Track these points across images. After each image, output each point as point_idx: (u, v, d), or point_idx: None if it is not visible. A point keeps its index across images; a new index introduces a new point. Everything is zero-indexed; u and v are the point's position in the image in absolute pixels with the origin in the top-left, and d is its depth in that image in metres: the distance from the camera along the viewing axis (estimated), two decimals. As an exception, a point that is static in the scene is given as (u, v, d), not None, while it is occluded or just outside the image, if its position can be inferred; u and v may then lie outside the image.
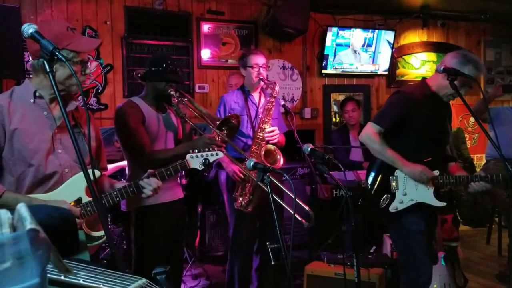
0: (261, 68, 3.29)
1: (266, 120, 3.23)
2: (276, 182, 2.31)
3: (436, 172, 2.69)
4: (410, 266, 2.73)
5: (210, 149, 2.35)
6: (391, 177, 2.71)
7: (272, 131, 3.22)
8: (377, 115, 2.80)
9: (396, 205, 2.68)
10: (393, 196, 2.69)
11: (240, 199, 3.15)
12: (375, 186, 2.75)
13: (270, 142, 3.23)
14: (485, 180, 2.64)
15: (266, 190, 1.95)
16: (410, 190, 2.69)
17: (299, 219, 2.40)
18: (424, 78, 2.83)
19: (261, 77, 3.29)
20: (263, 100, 3.40)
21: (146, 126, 2.61)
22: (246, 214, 3.17)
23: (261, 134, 3.19)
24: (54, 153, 1.92)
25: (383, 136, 2.70)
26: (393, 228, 2.80)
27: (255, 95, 3.41)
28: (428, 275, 2.68)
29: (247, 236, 3.31)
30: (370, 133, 2.69)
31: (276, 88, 3.31)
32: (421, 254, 2.67)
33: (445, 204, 2.72)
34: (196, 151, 2.34)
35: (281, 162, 3.20)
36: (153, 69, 2.68)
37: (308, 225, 2.57)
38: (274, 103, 3.28)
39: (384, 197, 2.70)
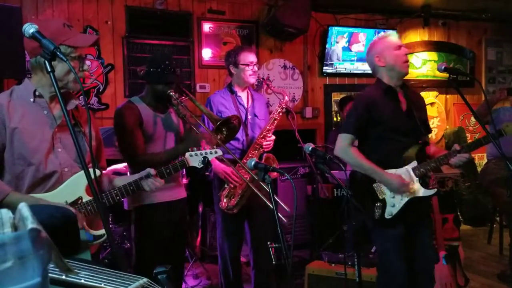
0: (255, 65, 3.25)
1: (269, 128, 3.22)
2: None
3: (414, 163, 2.64)
4: (383, 267, 2.73)
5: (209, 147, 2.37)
6: (374, 185, 2.66)
7: (272, 140, 3.23)
8: (344, 124, 2.80)
9: (391, 210, 2.63)
10: (383, 203, 2.64)
11: (225, 200, 3.14)
12: (363, 198, 2.69)
13: (266, 149, 3.23)
14: (461, 151, 2.59)
15: (267, 189, 1.95)
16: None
17: (281, 217, 2.38)
18: (377, 78, 2.82)
19: (263, 79, 3.28)
20: (251, 100, 3.37)
21: (143, 128, 2.62)
22: (233, 214, 3.16)
23: (262, 141, 3.18)
24: (54, 152, 1.92)
25: (359, 146, 2.72)
26: (375, 232, 2.76)
27: (243, 96, 3.35)
28: (401, 279, 2.63)
29: (233, 235, 3.29)
30: (343, 146, 2.66)
31: (286, 99, 3.31)
32: (395, 257, 2.63)
33: (436, 190, 2.68)
34: (195, 149, 2.34)
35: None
36: (151, 70, 2.67)
37: (287, 223, 2.64)
38: (281, 114, 3.27)
39: (376, 206, 2.65)
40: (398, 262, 2.63)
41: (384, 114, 2.66)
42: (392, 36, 2.75)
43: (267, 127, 3.22)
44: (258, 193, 2.58)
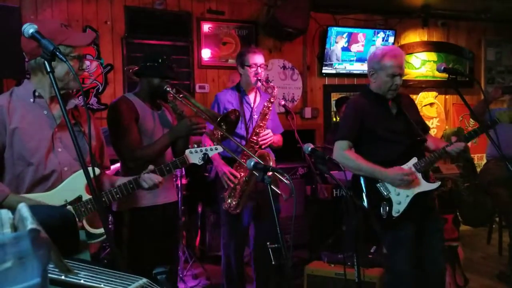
0: (259, 67, 3.22)
1: (261, 124, 3.19)
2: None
3: (414, 159, 2.70)
4: (392, 270, 2.75)
5: (210, 145, 2.36)
6: (378, 184, 2.69)
7: (266, 135, 3.18)
8: (339, 132, 2.84)
9: (397, 208, 2.65)
10: (389, 201, 2.67)
11: (229, 200, 3.13)
12: (368, 199, 2.72)
13: (263, 145, 3.21)
14: (458, 141, 2.67)
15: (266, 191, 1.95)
16: (401, 187, 2.67)
17: (278, 192, 2.40)
18: (368, 85, 2.89)
19: (259, 78, 3.23)
20: (258, 100, 3.35)
21: (140, 123, 2.57)
22: (237, 213, 3.15)
23: (255, 138, 3.17)
24: (54, 151, 1.93)
25: (356, 152, 2.74)
26: (385, 234, 2.77)
27: (251, 95, 3.34)
28: (409, 282, 2.65)
29: (239, 234, 3.28)
30: (341, 152, 2.70)
31: (275, 92, 3.27)
32: (403, 259, 2.65)
33: (439, 183, 2.74)
34: (195, 146, 2.32)
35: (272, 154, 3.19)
36: (148, 64, 2.62)
37: (286, 198, 2.66)
38: (271, 108, 3.24)
39: (382, 206, 2.68)
40: (407, 264, 2.65)
41: (376, 117, 2.73)
42: (394, 60, 2.69)
43: (259, 123, 3.19)
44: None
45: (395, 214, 2.65)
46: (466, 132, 2.76)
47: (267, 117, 3.22)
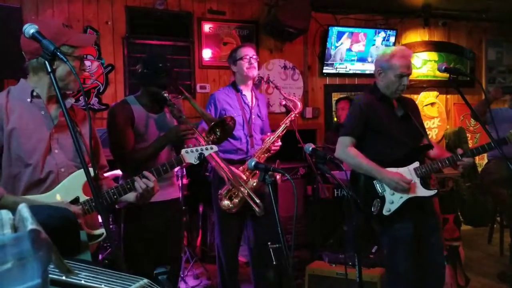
0: (251, 58, 3.25)
1: (280, 135, 3.27)
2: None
3: (416, 164, 2.70)
4: (392, 269, 2.76)
5: (206, 145, 2.38)
6: (375, 181, 2.70)
7: (279, 145, 3.27)
8: (343, 128, 2.86)
9: (389, 207, 2.66)
10: (382, 199, 2.68)
11: (224, 198, 3.14)
12: (363, 195, 2.73)
13: (273, 152, 3.28)
14: (465, 155, 2.65)
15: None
16: (396, 191, 2.67)
17: (254, 206, 2.76)
18: (374, 83, 2.90)
19: (276, 85, 3.39)
20: (254, 101, 3.38)
21: (135, 127, 2.62)
22: (231, 212, 3.16)
23: (271, 146, 3.22)
24: (51, 153, 1.91)
25: (359, 150, 2.75)
26: (385, 233, 2.78)
27: (247, 94, 3.36)
28: (409, 281, 2.67)
29: (231, 233, 3.29)
30: (343, 148, 2.73)
31: (299, 106, 3.38)
32: (403, 258, 2.66)
33: (436, 191, 2.72)
34: (191, 145, 2.34)
35: (278, 177, 3.22)
36: (144, 71, 2.67)
37: (260, 212, 2.91)
38: (292, 120, 3.32)
39: (374, 202, 2.69)
40: (407, 263, 2.65)
41: (381, 117, 2.74)
42: (402, 60, 2.72)
43: (279, 134, 3.27)
44: (248, 199, 2.81)
45: (385, 212, 2.66)
46: (475, 148, 2.73)
47: (286, 129, 3.31)
